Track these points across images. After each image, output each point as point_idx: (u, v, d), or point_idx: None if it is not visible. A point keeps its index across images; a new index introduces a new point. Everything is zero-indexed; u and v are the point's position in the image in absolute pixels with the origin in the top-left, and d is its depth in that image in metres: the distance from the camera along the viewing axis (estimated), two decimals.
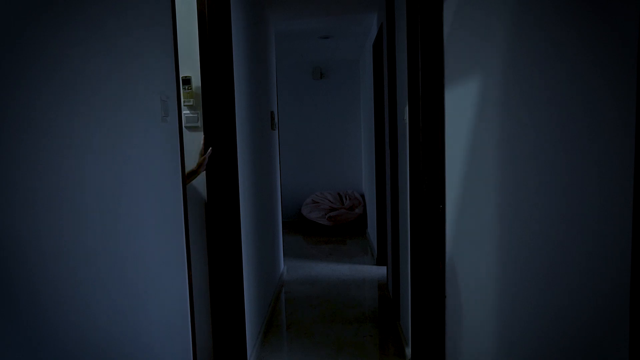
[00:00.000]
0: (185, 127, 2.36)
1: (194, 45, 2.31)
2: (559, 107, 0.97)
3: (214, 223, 2.39)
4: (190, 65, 2.33)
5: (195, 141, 2.39)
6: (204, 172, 2.36)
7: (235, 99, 2.51)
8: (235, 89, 2.50)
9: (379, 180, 4.67)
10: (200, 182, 2.37)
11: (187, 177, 2.23)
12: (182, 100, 2.18)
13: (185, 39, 2.22)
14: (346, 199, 6.81)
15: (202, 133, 2.39)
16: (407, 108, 2.41)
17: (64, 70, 1.00)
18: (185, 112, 2.36)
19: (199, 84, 2.35)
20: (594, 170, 0.85)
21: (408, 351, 2.70)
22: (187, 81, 2.36)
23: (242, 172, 2.66)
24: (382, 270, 4.63)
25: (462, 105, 1.69)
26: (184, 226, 1.71)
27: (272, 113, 4.14)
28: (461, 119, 1.70)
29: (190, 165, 2.25)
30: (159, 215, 1.49)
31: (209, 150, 2.34)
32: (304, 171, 7.16)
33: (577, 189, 0.91)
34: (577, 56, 0.90)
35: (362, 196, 6.90)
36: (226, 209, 2.41)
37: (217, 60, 2.33)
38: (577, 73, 0.90)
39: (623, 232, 0.74)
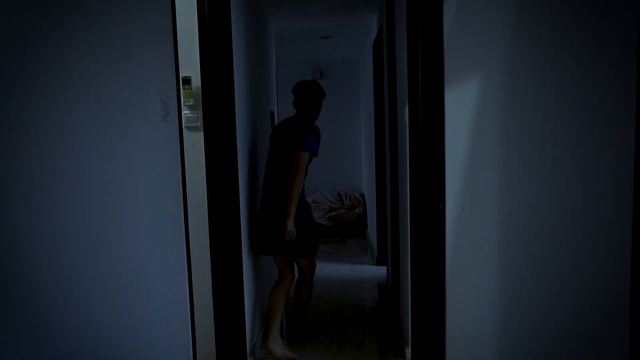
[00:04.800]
0: (185, 127, 2.35)
1: (194, 45, 2.31)
2: (561, 105, 0.97)
3: (214, 223, 2.39)
4: (190, 65, 2.33)
5: (195, 141, 2.39)
6: (205, 171, 2.36)
7: (235, 99, 2.51)
8: (235, 89, 2.50)
9: (379, 180, 4.66)
10: (201, 182, 2.37)
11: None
12: (182, 100, 2.18)
13: (185, 39, 2.22)
14: (346, 199, 6.81)
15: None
16: (407, 108, 2.41)
17: (63, 70, 1.00)
18: (185, 112, 2.36)
19: (199, 84, 2.35)
20: (597, 169, 0.85)
21: (408, 351, 2.70)
22: (187, 81, 2.36)
23: (242, 171, 2.66)
24: (382, 270, 4.63)
25: (462, 105, 1.69)
26: (184, 226, 1.71)
27: (272, 113, 4.14)
28: (461, 118, 1.70)
29: None
30: (158, 215, 1.49)
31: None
32: None
33: (579, 188, 0.91)
34: (581, 53, 0.90)
35: (362, 196, 6.89)
36: (226, 209, 2.41)
37: (217, 60, 2.32)
38: (581, 70, 0.90)
39: (625, 231, 0.74)
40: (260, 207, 2.98)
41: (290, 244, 2.82)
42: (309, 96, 2.95)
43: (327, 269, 4.77)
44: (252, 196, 3.02)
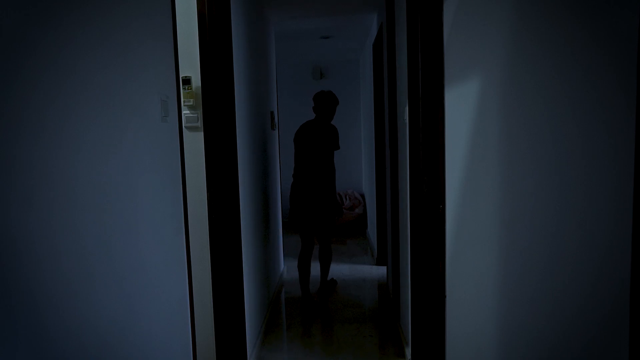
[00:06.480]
0: (185, 127, 2.36)
1: (194, 45, 2.31)
2: (562, 105, 0.97)
3: (214, 223, 2.39)
4: (190, 65, 2.33)
5: (195, 141, 2.39)
6: (205, 171, 2.37)
7: (235, 99, 2.51)
8: (235, 89, 2.50)
9: (379, 180, 4.66)
10: (201, 182, 2.37)
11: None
12: (182, 100, 2.18)
13: (185, 39, 2.22)
14: (346, 199, 6.81)
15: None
16: (407, 108, 2.41)
17: (63, 70, 1.00)
18: (185, 112, 2.36)
19: (199, 84, 2.35)
20: (598, 168, 0.85)
21: (408, 351, 2.70)
22: (187, 81, 2.36)
23: (242, 172, 2.66)
24: (382, 270, 4.63)
25: (462, 105, 1.69)
26: (184, 226, 1.71)
27: (272, 113, 4.14)
28: (461, 118, 1.70)
29: None
30: (158, 215, 1.49)
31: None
32: None
33: (580, 188, 0.91)
34: (582, 52, 0.90)
35: (362, 196, 6.89)
36: (226, 209, 2.41)
37: (217, 60, 2.32)
38: (582, 69, 0.90)
39: (626, 232, 0.74)
40: (291, 191, 3.79)
41: (327, 224, 3.84)
42: (326, 103, 3.81)
43: None
44: (253, 196, 3.02)
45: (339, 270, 4.73)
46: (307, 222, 3.77)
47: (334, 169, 3.87)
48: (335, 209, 3.87)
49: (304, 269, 3.81)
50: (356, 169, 7.14)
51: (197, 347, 1.99)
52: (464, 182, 1.69)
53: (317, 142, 3.75)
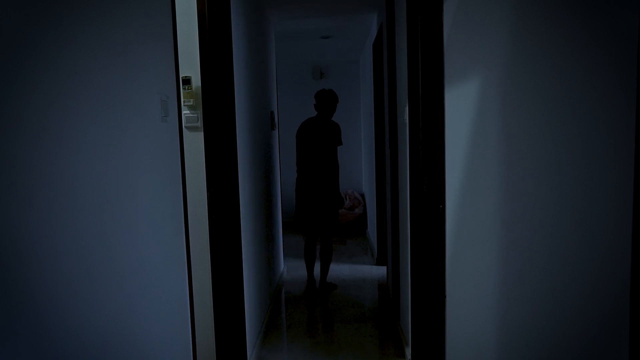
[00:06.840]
0: (185, 127, 2.36)
1: (194, 45, 2.31)
2: (562, 105, 0.97)
3: (214, 223, 2.39)
4: (190, 65, 2.33)
5: (195, 141, 2.39)
6: (205, 171, 2.37)
7: (235, 99, 2.51)
8: (235, 89, 2.50)
9: (379, 180, 4.66)
10: (201, 182, 2.37)
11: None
12: (182, 100, 2.18)
13: (185, 39, 2.22)
14: (346, 199, 6.81)
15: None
16: (407, 108, 2.41)
17: (63, 70, 1.00)
18: (185, 112, 2.36)
19: (199, 84, 2.35)
20: (598, 168, 0.85)
21: (408, 351, 2.70)
22: (187, 81, 2.36)
23: (242, 172, 2.66)
24: (382, 270, 4.63)
25: (462, 105, 1.69)
26: (184, 226, 1.71)
27: (272, 113, 4.14)
28: (461, 118, 1.70)
29: None
30: (158, 216, 1.49)
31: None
32: None
33: (580, 188, 0.91)
34: (582, 52, 0.90)
35: (362, 196, 6.89)
36: (226, 209, 2.41)
37: (217, 60, 2.32)
38: (582, 69, 0.90)
39: (626, 232, 0.74)
40: (297, 185, 3.97)
41: (330, 219, 3.97)
42: (327, 100, 3.99)
43: None
44: (253, 196, 3.02)
45: (339, 270, 4.73)
46: (311, 217, 3.95)
47: (337, 164, 3.98)
48: (338, 202, 4.02)
49: (310, 253, 4.09)
50: (356, 169, 7.13)
51: (197, 347, 1.99)
52: (464, 182, 1.69)
53: (319, 138, 3.91)
